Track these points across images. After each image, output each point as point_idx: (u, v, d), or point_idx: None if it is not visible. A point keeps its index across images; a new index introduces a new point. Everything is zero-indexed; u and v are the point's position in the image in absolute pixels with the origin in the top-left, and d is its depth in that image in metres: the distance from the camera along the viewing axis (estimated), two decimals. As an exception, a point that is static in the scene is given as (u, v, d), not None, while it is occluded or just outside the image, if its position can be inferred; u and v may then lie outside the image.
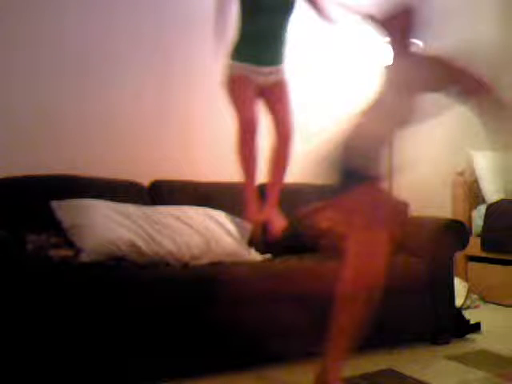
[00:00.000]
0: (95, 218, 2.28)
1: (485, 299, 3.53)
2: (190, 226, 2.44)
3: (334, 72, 3.60)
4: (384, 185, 1.94)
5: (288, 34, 2.46)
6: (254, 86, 2.41)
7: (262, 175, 2.54)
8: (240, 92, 2.39)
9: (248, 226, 2.63)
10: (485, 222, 3.65)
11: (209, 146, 3.12)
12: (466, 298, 3.29)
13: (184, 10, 3.09)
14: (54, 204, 2.37)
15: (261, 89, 2.45)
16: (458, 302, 3.07)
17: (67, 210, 2.34)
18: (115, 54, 2.94)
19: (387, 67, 2.07)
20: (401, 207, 2.39)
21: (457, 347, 2.54)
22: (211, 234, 2.47)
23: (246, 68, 2.39)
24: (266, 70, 2.43)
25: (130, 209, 2.43)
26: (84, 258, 2.14)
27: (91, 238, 2.20)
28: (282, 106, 2.50)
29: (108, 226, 2.27)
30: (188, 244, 2.37)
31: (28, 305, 1.88)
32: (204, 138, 3.12)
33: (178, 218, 2.46)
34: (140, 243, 2.25)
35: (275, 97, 2.50)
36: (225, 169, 2.79)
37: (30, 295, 1.89)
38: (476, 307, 3.37)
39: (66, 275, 1.99)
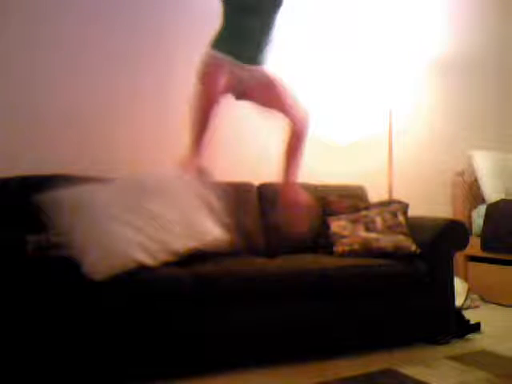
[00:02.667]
0: (99, 225, 2.05)
1: (485, 299, 3.53)
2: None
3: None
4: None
5: (272, 34, 2.38)
6: (229, 76, 2.31)
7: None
8: (212, 77, 2.29)
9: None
10: (485, 222, 3.65)
11: (210, 146, 3.11)
12: (466, 297, 3.29)
13: (185, 11, 3.10)
14: (39, 199, 2.04)
15: (242, 85, 2.36)
16: (458, 301, 3.07)
17: (60, 211, 2.04)
18: (115, 53, 2.94)
19: None
20: None
21: (457, 347, 2.54)
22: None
23: (225, 60, 2.30)
24: (246, 67, 2.35)
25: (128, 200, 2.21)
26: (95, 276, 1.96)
27: (98, 253, 1.99)
28: (280, 103, 2.42)
29: (116, 235, 2.06)
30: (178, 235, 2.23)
31: (26, 305, 1.89)
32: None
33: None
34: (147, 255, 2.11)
35: (269, 96, 2.42)
36: (225, 169, 2.79)
37: (29, 295, 1.90)
38: (476, 307, 3.38)
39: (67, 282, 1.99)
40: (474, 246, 3.61)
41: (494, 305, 3.48)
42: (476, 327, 2.76)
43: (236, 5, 2.29)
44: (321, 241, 2.92)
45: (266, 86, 2.42)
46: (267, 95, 2.44)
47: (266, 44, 2.38)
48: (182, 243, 2.21)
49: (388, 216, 2.82)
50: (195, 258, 2.28)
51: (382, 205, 2.96)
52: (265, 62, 2.41)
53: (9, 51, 2.70)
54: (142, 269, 2.07)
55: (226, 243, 2.31)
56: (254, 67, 2.37)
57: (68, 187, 2.13)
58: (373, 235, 2.74)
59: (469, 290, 3.37)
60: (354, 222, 2.85)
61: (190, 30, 3.10)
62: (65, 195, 2.11)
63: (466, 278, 3.65)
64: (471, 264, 3.75)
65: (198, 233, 2.27)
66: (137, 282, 2.06)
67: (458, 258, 3.60)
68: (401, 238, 2.69)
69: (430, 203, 3.80)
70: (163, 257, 2.16)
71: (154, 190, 2.26)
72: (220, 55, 2.31)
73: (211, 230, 2.31)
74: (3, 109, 2.68)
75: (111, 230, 2.07)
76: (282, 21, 2.38)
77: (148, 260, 2.10)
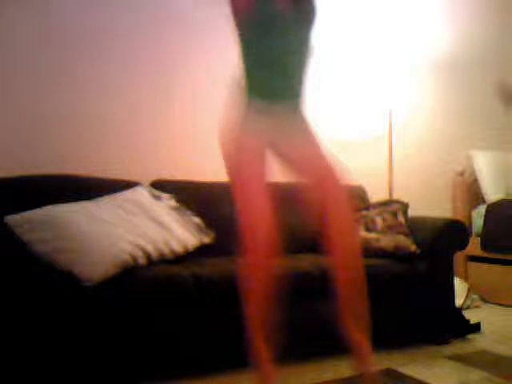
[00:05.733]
0: (79, 236, 2.03)
1: (485, 299, 3.53)
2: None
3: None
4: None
5: (309, 60, 2.01)
6: (264, 154, 1.87)
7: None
8: (246, 173, 1.88)
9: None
10: (485, 222, 3.65)
11: (210, 146, 3.11)
12: (466, 297, 3.29)
13: (182, 10, 3.10)
14: (12, 220, 2.04)
15: (275, 142, 1.91)
16: (458, 302, 3.07)
17: (36, 230, 2.02)
18: (112, 51, 2.94)
19: None
20: None
21: (457, 347, 2.54)
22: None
23: (256, 108, 1.86)
24: (281, 107, 1.90)
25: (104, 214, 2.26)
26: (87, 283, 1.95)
27: (86, 260, 1.97)
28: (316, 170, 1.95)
29: (98, 240, 2.05)
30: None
31: (26, 304, 1.89)
32: (205, 138, 3.12)
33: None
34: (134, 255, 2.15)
35: (303, 155, 1.96)
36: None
37: (29, 294, 1.90)
38: (476, 307, 3.38)
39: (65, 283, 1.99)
40: (474, 246, 3.61)
41: (494, 305, 3.48)
42: (476, 327, 2.76)
43: (254, 24, 1.81)
44: (321, 241, 2.91)
45: (305, 139, 1.99)
46: (302, 154, 1.97)
47: (303, 72, 1.97)
48: (167, 246, 2.34)
49: (388, 216, 2.82)
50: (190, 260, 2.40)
51: (382, 205, 2.96)
52: (301, 97, 1.97)
53: (10, 51, 2.70)
54: (136, 268, 2.12)
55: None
56: (288, 106, 1.93)
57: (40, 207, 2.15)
58: (373, 235, 2.74)
59: (469, 290, 3.37)
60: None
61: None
62: (38, 214, 2.11)
63: (465, 278, 3.65)
64: (471, 264, 3.75)
65: (175, 239, 2.41)
66: (133, 282, 2.07)
67: (458, 257, 3.59)
68: (401, 238, 2.69)
69: (430, 203, 3.80)
70: (155, 256, 2.24)
71: (129, 206, 2.41)
72: (251, 102, 1.87)
73: (187, 236, 2.47)
74: (4, 109, 2.68)
75: (99, 233, 2.10)
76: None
77: (140, 259, 2.15)
